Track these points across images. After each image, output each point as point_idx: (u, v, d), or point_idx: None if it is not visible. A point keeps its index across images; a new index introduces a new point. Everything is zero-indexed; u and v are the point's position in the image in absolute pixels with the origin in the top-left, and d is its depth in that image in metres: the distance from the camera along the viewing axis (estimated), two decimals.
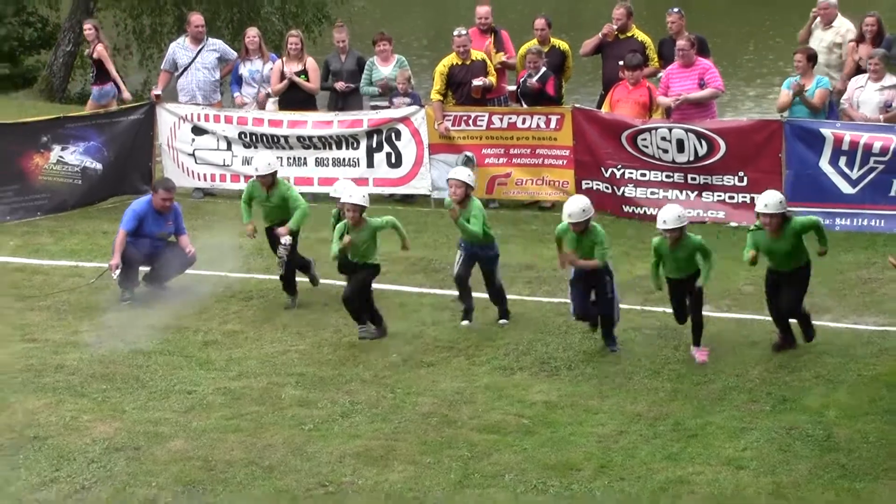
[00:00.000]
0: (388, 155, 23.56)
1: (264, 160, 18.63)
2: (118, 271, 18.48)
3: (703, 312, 16.29)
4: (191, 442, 14.55)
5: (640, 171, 21.90)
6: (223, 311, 18.36)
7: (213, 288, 18.64)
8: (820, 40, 23.06)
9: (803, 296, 15.80)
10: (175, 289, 19.42)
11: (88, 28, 27.99)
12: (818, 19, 23.36)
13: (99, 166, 23.99)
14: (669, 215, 15.84)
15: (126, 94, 27.16)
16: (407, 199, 23.65)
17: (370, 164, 23.76)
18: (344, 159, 23.94)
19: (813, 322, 16.63)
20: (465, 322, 17.76)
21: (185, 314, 18.17)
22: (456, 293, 18.01)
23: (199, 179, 24.35)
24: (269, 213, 18.50)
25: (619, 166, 21.99)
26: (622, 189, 22.07)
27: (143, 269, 19.28)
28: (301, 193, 23.23)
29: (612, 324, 16.61)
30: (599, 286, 16.50)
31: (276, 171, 18.52)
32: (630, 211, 22.03)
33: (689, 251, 15.95)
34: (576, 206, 16.27)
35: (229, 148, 24.34)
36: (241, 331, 17.56)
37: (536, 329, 16.05)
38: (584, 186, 22.43)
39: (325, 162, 23.91)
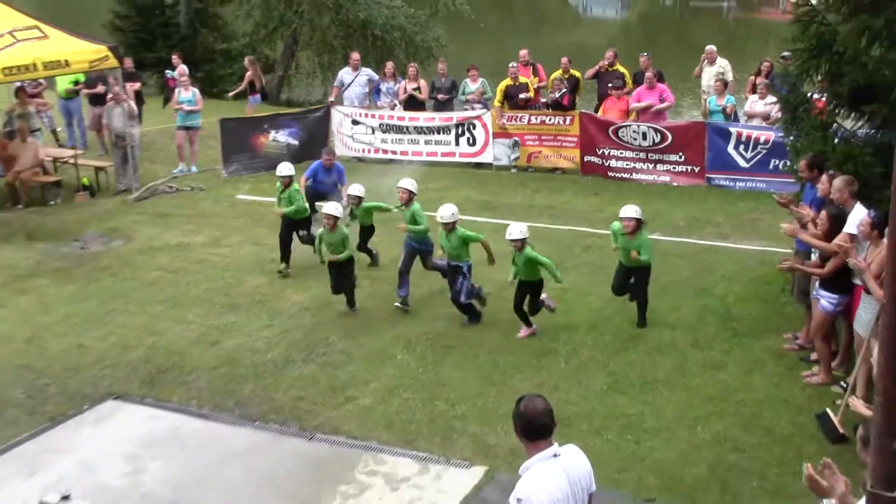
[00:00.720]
0: (468, 138, 23.59)
1: (285, 166, 17.36)
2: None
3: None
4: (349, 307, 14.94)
5: (619, 151, 21.82)
6: None
7: None
8: (709, 73, 23.21)
9: (646, 288, 14.08)
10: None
11: (246, 61, 28.54)
12: (706, 60, 23.54)
13: (296, 142, 24.08)
14: (514, 229, 13.38)
15: (249, 108, 27.38)
16: (479, 166, 23.66)
17: (457, 144, 23.77)
18: (441, 140, 23.98)
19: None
20: (399, 305, 14.95)
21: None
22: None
23: (356, 152, 24.41)
24: (282, 203, 17.03)
25: (607, 148, 21.95)
26: (608, 162, 21.99)
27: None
28: (412, 161, 23.73)
29: (459, 305, 14.30)
30: (458, 278, 14.13)
31: (292, 175, 17.16)
32: (612, 175, 21.92)
33: (525, 260, 13.41)
34: (447, 210, 14.02)
35: (373, 133, 24.42)
36: (377, 242, 17.60)
37: (554, 245, 16.07)
38: (585, 160, 22.40)
39: (430, 142, 23.95)
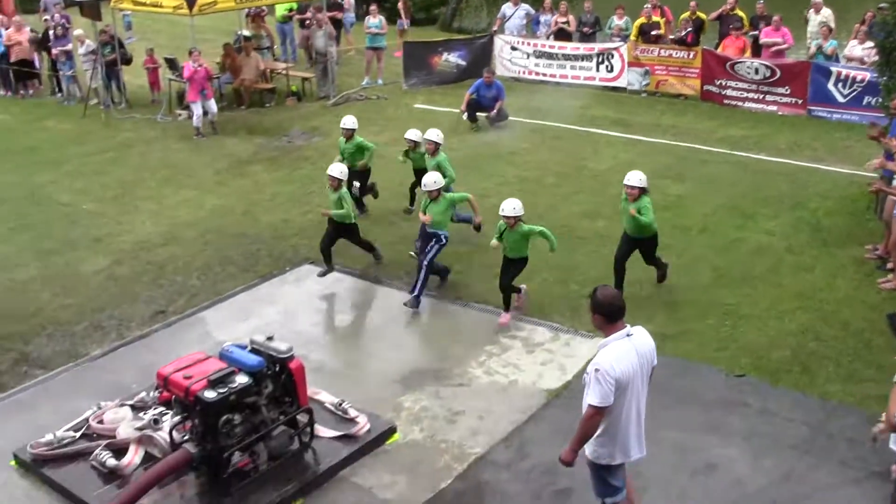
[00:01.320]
0: (607, 66, 22.89)
1: (350, 119, 14.36)
2: (465, 113, 18.67)
3: None
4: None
5: (734, 83, 20.92)
6: (519, 131, 18.30)
7: (515, 121, 18.64)
8: (815, 20, 21.96)
9: (654, 256, 11.60)
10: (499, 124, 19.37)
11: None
12: (812, 9, 22.30)
13: (464, 63, 23.76)
14: (508, 205, 10.80)
15: (398, 30, 26.91)
16: (614, 89, 22.88)
17: (597, 70, 23.01)
18: (584, 66, 23.29)
19: (808, 164, 15.98)
20: (412, 254, 12.61)
21: (500, 135, 18.25)
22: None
23: (513, 73, 23.92)
24: (347, 156, 14.20)
25: (724, 79, 21.11)
26: (724, 91, 21.11)
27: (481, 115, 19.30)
28: (559, 83, 23.28)
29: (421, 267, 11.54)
30: (431, 242, 11.56)
31: (355, 128, 14.28)
32: (727, 103, 21.02)
33: (519, 236, 10.88)
34: (430, 178, 11.57)
35: (528, 58, 23.92)
36: (527, 148, 17.49)
37: (676, 158, 15.63)
38: (704, 88, 21.47)
39: (575, 68, 23.29)
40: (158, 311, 11.58)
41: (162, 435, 8.31)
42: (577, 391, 9.32)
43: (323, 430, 8.59)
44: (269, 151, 18.16)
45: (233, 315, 11.27)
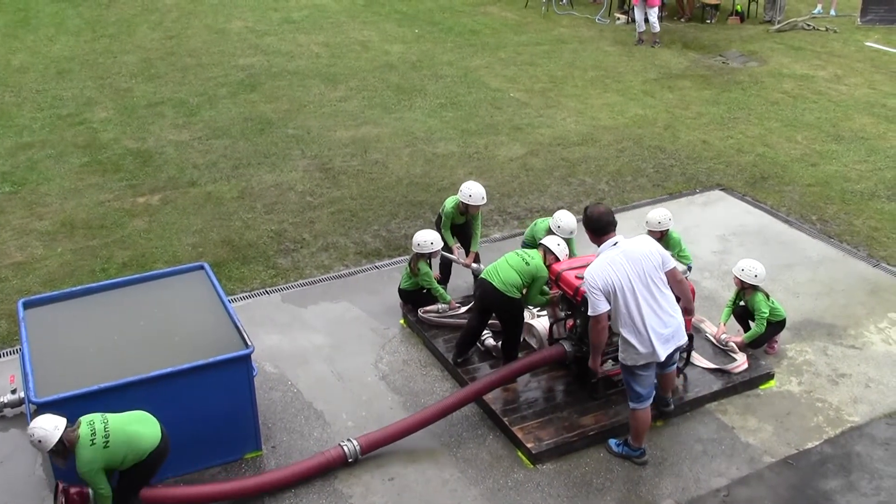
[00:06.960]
0: None
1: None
2: None
3: None
4: None
5: None
6: None
7: None
8: None
9: None
10: None
11: None
12: None
13: None
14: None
15: None
16: None
17: None
18: None
19: None
20: None
21: None
22: None
23: None
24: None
25: None
26: None
27: None
28: None
29: None
30: None
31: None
32: None
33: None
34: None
35: None
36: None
37: None
38: None
39: None
40: (562, 208, 11.83)
41: (543, 327, 8.59)
42: None
43: (699, 360, 8.52)
44: (702, 69, 17.84)
45: (635, 226, 11.22)
